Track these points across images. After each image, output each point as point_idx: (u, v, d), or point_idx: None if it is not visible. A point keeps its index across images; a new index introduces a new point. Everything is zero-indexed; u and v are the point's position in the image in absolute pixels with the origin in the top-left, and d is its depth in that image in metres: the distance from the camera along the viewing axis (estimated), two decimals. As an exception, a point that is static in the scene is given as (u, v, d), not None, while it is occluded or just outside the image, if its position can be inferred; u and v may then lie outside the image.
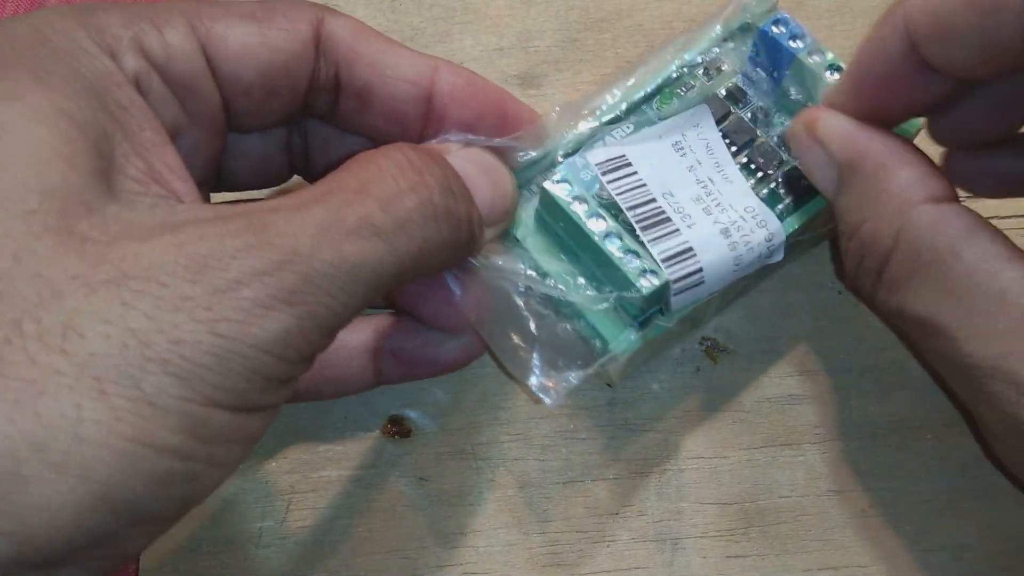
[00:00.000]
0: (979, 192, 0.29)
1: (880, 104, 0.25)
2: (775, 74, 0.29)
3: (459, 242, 0.24)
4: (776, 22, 0.29)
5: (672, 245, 0.26)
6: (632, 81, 0.29)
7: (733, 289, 0.29)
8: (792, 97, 0.29)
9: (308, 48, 0.25)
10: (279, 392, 0.20)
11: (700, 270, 0.26)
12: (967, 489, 0.29)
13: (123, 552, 0.19)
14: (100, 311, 0.18)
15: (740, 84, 0.30)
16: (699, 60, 0.30)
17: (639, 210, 0.27)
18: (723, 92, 0.29)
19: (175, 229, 0.19)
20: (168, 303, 0.18)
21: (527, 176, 0.28)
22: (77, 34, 0.22)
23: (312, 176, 0.29)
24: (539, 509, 0.29)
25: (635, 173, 0.27)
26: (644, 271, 0.26)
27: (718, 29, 0.30)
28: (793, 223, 0.28)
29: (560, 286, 0.27)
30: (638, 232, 0.26)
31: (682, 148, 0.28)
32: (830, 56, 0.28)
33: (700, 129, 0.29)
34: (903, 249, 0.23)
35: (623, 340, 0.27)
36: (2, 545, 0.17)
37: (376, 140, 0.27)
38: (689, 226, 0.27)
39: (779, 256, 0.27)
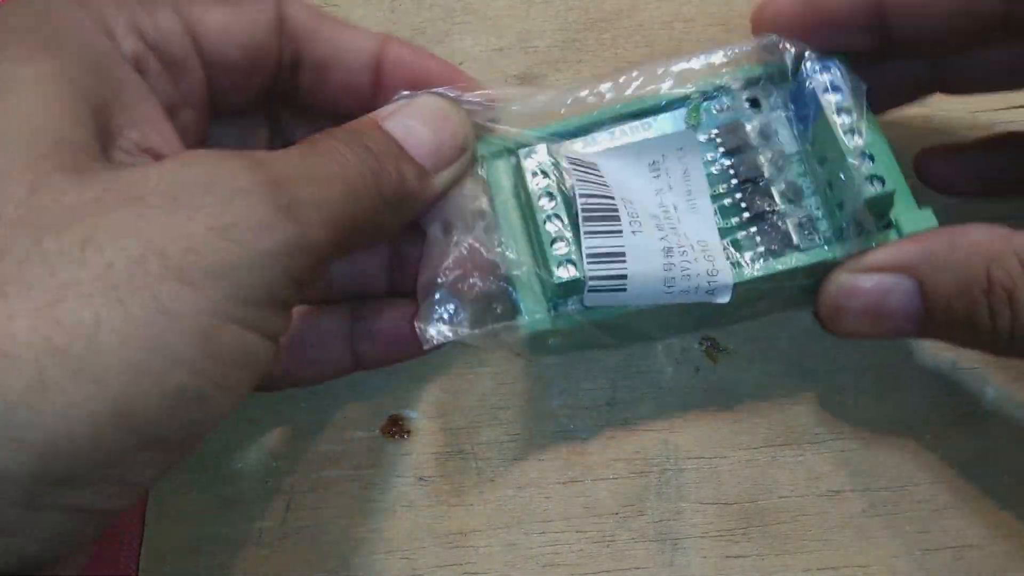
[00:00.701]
0: (948, 191, 0.30)
1: (813, 31, 0.27)
2: (805, 122, 0.28)
3: (393, 197, 0.24)
4: (824, 66, 0.27)
5: (606, 244, 0.26)
6: (639, 81, 0.29)
7: (689, 316, 0.28)
8: (811, 152, 0.28)
9: (276, 27, 0.26)
10: (281, 317, 0.21)
11: (624, 277, 0.26)
12: (967, 489, 0.29)
13: (136, 479, 0.19)
14: (117, 225, 0.19)
15: (773, 122, 0.28)
16: (740, 87, 0.29)
17: (591, 200, 0.26)
18: (752, 125, 0.29)
19: (178, 159, 0.21)
20: (182, 214, 0.19)
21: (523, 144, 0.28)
22: (78, 14, 0.23)
23: None
24: (539, 509, 0.29)
25: (601, 176, 0.27)
26: (566, 260, 0.26)
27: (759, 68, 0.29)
28: (757, 272, 0.27)
29: (496, 247, 0.27)
30: (579, 220, 0.26)
31: (657, 169, 0.28)
32: (862, 137, 0.26)
33: (682, 154, 0.28)
34: None
35: (532, 315, 0.27)
36: (26, 458, 0.17)
37: (335, 114, 0.28)
38: (634, 232, 0.26)
39: (724, 297, 0.26)
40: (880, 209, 0.26)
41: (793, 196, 0.28)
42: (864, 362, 0.30)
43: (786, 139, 0.28)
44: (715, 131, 0.29)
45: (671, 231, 0.27)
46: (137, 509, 0.30)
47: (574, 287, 0.26)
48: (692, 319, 0.30)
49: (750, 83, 0.29)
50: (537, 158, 0.27)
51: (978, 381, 0.30)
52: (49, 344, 0.17)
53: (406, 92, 0.27)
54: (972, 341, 0.26)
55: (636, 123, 0.29)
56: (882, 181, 0.25)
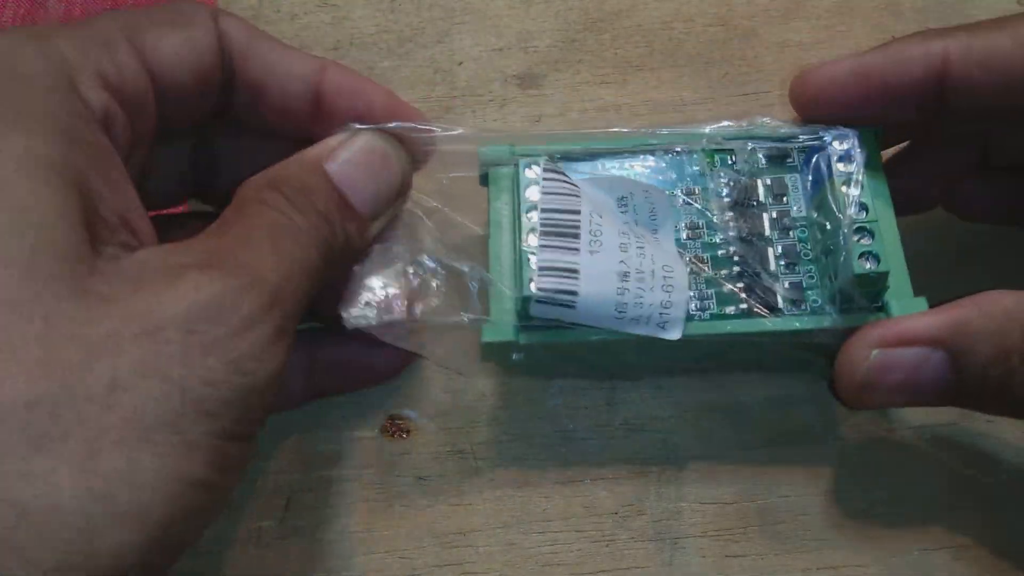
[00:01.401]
0: (973, 218, 0.31)
1: (865, 100, 0.27)
2: (815, 188, 0.28)
3: (339, 258, 0.25)
4: (841, 136, 0.27)
5: (561, 259, 0.26)
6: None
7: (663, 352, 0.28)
8: (815, 219, 0.27)
9: (218, 47, 0.25)
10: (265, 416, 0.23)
11: (575, 293, 0.25)
12: (967, 489, 0.29)
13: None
14: (139, 365, 0.19)
15: (787, 183, 0.28)
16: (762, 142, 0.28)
17: (554, 215, 0.26)
18: (765, 182, 0.28)
19: (179, 276, 0.21)
20: (198, 349, 0.20)
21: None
22: (39, 65, 0.22)
23: (209, 196, 0.30)
24: (539, 509, 0.29)
25: (576, 188, 0.27)
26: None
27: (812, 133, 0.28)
28: (725, 327, 0.26)
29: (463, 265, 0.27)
30: (539, 235, 0.26)
31: (625, 205, 0.28)
32: (866, 212, 0.26)
33: (649, 196, 0.28)
34: None
35: (496, 324, 0.26)
36: None
37: (269, 139, 0.28)
38: (592, 252, 0.26)
39: (675, 334, 0.26)
40: (870, 288, 0.26)
41: (789, 260, 0.27)
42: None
43: (795, 202, 0.28)
44: (725, 180, 0.28)
45: (637, 251, 0.26)
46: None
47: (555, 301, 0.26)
48: (667, 357, 0.29)
49: (772, 139, 0.28)
50: (536, 169, 0.27)
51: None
52: (92, 494, 0.19)
53: (353, 124, 0.27)
54: (1005, 408, 0.25)
55: (650, 157, 0.29)
56: (876, 260, 0.25)
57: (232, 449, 0.21)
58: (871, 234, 0.25)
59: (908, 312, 0.25)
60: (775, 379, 0.30)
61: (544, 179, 0.27)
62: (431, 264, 0.27)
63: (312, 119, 0.27)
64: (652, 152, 0.29)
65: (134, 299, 0.20)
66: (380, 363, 0.30)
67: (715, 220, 0.28)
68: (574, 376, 0.30)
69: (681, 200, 0.28)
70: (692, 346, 0.27)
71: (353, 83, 0.27)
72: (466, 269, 0.27)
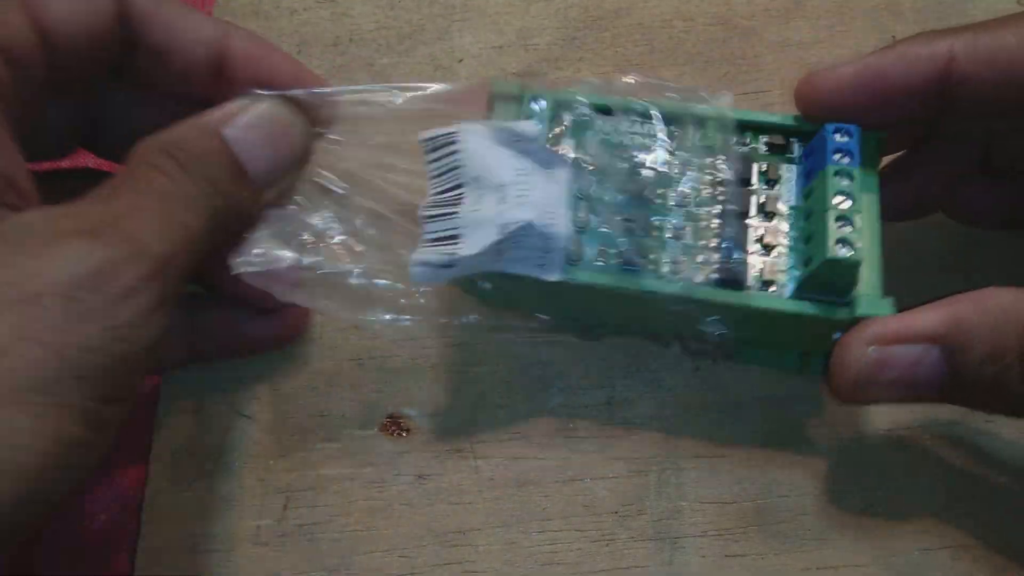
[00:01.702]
0: (972, 223, 0.31)
1: (872, 102, 0.27)
2: (809, 177, 0.28)
3: (228, 223, 0.25)
4: (841, 130, 0.27)
5: (442, 228, 0.26)
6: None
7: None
8: (802, 207, 0.28)
9: (116, 11, 0.26)
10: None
11: (454, 255, 0.26)
12: (967, 489, 0.29)
13: (23, 535, 0.21)
14: (16, 329, 0.20)
15: (782, 171, 0.28)
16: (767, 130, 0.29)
17: (441, 196, 0.27)
18: (762, 167, 0.28)
19: (62, 242, 0.21)
20: (77, 315, 0.21)
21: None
22: None
23: (101, 148, 0.30)
24: (539, 508, 0.29)
25: (457, 153, 0.27)
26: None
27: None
28: (693, 292, 0.26)
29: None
30: (422, 209, 0.27)
31: (521, 150, 0.28)
32: (852, 203, 0.26)
33: (536, 140, 0.28)
34: None
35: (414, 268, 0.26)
36: None
37: (171, 99, 0.28)
38: (472, 211, 0.26)
39: (555, 273, 0.27)
40: (841, 276, 0.26)
41: (768, 243, 0.27)
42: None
43: (787, 192, 0.28)
44: (723, 157, 0.28)
45: (515, 202, 0.26)
46: (133, 508, 0.30)
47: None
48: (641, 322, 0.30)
49: (776, 129, 0.29)
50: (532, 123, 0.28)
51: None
52: None
53: (254, 91, 0.27)
54: (1000, 406, 0.25)
55: (659, 124, 0.28)
56: (851, 247, 0.25)
57: (107, 412, 0.21)
58: (851, 224, 0.25)
59: (874, 310, 0.25)
60: (775, 379, 0.30)
61: (427, 160, 0.27)
62: (329, 226, 0.28)
63: (214, 84, 0.27)
64: (661, 120, 0.28)
65: (15, 262, 0.21)
66: (251, 331, 0.30)
67: (705, 194, 0.28)
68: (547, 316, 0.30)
69: (677, 170, 0.28)
70: (668, 312, 0.27)
71: (257, 49, 0.27)
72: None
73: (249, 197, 0.26)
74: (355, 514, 0.29)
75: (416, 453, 0.30)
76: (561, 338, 0.31)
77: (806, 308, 0.26)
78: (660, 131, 0.28)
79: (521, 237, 0.26)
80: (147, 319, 0.22)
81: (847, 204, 0.26)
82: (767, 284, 0.27)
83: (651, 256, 0.27)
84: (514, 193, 0.27)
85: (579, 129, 0.29)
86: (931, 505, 0.29)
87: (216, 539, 0.29)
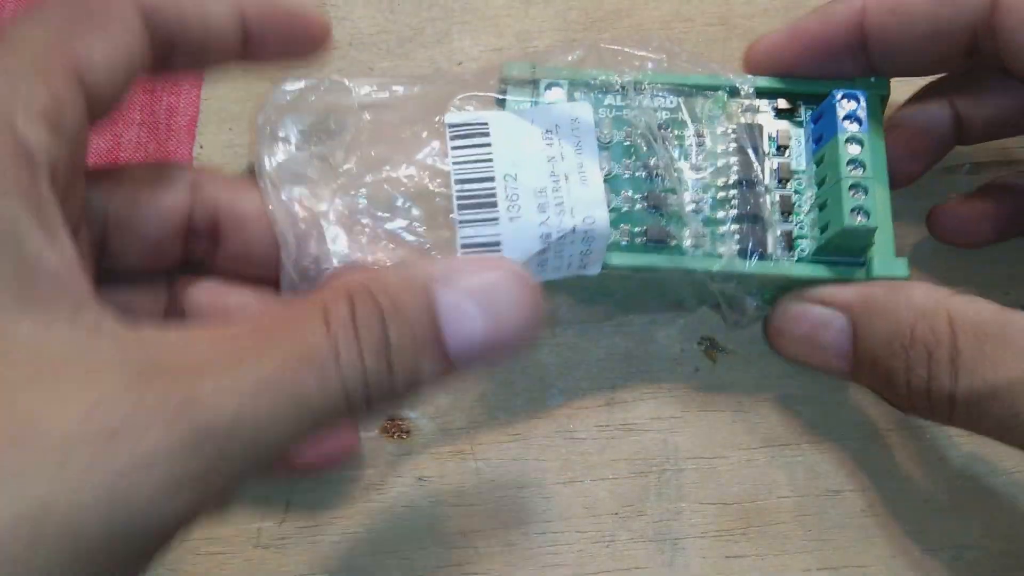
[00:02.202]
0: (964, 244, 0.31)
1: (799, 58, 0.29)
2: (819, 141, 0.29)
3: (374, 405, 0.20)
4: (849, 96, 0.28)
5: (481, 233, 0.26)
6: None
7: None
8: (814, 173, 0.28)
9: (145, 35, 0.23)
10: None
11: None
12: (967, 489, 0.29)
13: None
14: (4, 472, 0.17)
15: (792, 136, 0.29)
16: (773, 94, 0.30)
17: (469, 186, 0.26)
18: (772, 133, 0.29)
19: (92, 381, 0.18)
20: (74, 473, 0.17)
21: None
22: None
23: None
24: (539, 509, 0.29)
25: (487, 145, 0.27)
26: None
27: (817, 85, 0.29)
28: (723, 267, 0.27)
29: None
30: (455, 210, 0.26)
31: (551, 138, 0.28)
32: (864, 170, 0.27)
33: (576, 124, 0.28)
34: (965, 330, 0.24)
35: None
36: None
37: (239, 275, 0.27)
38: (511, 219, 0.26)
39: (595, 268, 0.27)
40: (857, 242, 0.27)
41: (784, 210, 0.28)
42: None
43: (797, 156, 0.29)
44: (733, 127, 0.29)
45: (556, 209, 0.26)
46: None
47: None
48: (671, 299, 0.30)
49: (782, 93, 0.29)
50: (558, 91, 0.28)
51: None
52: None
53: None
54: (890, 395, 0.26)
55: (672, 97, 0.29)
56: (867, 215, 0.26)
57: None
58: (864, 191, 0.26)
59: (889, 271, 0.27)
60: (775, 379, 0.30)
61: (452, 147, 0.27)
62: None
63: (242, 54, 0.25)
64: (668, 91, 0.29)
65: (24, 393, 0.18)
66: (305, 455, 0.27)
67: (718, 164, 0.29)
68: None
69: (691, 140, 0.29)
70: (693, 282, 0.28)
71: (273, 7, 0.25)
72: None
73: (429, 373, 0.20)
74: (356, 516, 0.29)
75: (417, 455, 0.30)
76: (562, 339, 0.31)
77: (825, 272, 0.27)
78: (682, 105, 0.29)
79: (563, 244, 0.26)
80: (159, 496, 0.18)
81: (859, 172, 0.27)
82: (787, 248, 0.28)
83: (673, 231, 0.28)
84: (553, 200, 0.27)
85: (596, 107, 0.29)
86: (932, 505, 0.29)
87: (217, 541, 0.29)
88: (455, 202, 0.26)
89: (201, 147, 0.34)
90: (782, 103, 0.29)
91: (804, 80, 0.29)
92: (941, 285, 0.26)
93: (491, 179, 0.27)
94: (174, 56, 0.24)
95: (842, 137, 0.27)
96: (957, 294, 0.25)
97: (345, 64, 0.36)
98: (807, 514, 0.29)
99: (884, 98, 0.29)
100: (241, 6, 0.25)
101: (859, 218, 0.26)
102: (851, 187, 0.26)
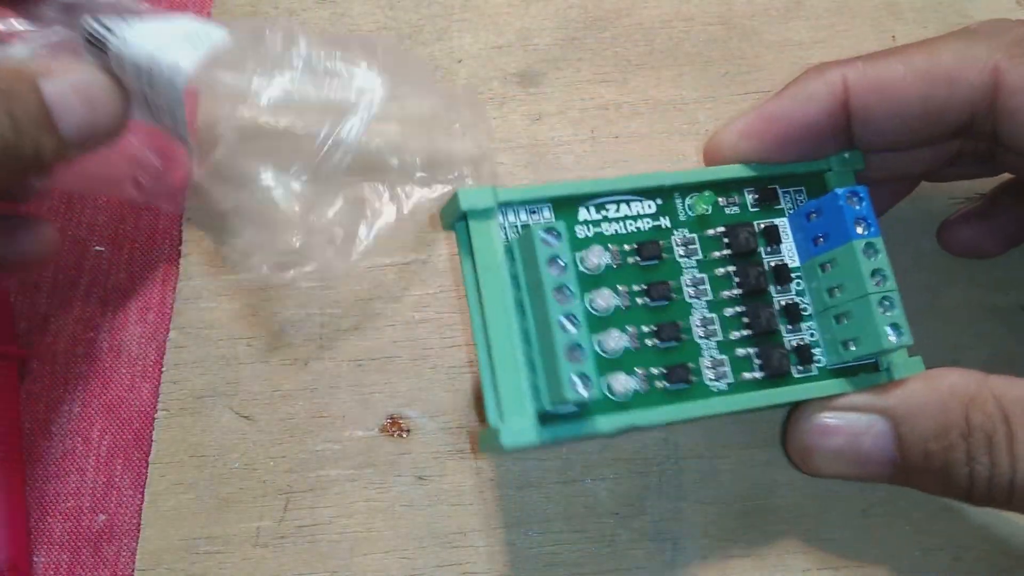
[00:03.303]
0: (975, 255, 0.31)
1: (778, 146, 0.27)
2: (818, 242, 0.26)
3: (17, 165, 0.25)
4: (853, 195, 0.25)
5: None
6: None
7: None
8: (820, 276, 0.26)
9: None
10: None
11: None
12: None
13: None
14: None
15: (780, 228, 0.27)
16: (752, 183, 0.27)
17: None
18: (759, 226, 0.27)
19: None
20: None
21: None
22: None
23: None
24: (539, 509, 0.29)
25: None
26: (580, 374, 0.22)
27: (791, 168, 0.27)
28: (755, 402, 0.25)
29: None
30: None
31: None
32: (888, 283, 0.25)
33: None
34: (1016, 412, 0.24)
35: (511, 427, 0.23)
36: None
37: None
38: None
39: (604, 426, 0.24)
40: (874, 355, 0.26)
41: (792, 318, 0.26)
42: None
43: (788, 251, 0.27)
44: (722, 228, 0.27)
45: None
46: (135, 509, 0.30)
47: (579, 404, 0.23)
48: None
49: (763, 180, 0.28)
50: (553, 239, 0.23)
51: (977, 381, 0.30)
52: None
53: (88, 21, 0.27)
54: (948, 488, 0.25)
55: (648, 201, 0.27)
56: (901, 332, 0.25)
57: None
58: (891, 303, 0.25)
59: (909, 370, 0.26)
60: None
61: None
62: None
63: None
64: (643, 196, 0.27)
65: None
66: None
67: (718, 274, 0.27)
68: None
69: (679, 252, 0.26)
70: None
71: None
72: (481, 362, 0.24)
73: (52, 148, 0.25)
74: (355, 515, 0.29)
75: (416, 454, 0.30)
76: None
77: (850, 387, 0.26)
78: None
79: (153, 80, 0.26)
80: None
81: (883, 283, 0.25)
82: (804, 361, 0.26)
83: (691, 366, 0.25)
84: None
85: (571, 227, 0.26)
86: (931, 505, 0.29)
87: (216, 540, 0.29)
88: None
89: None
90: (763, 192, 0.27)
91: (775, 165, 0.27)
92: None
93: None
94: None
95: (859, 245, 0.25)
96: (992, 376, 0.25)
97: (344, 61, 0.35)
98: (807, 514, 0.29)
99: (858, 171, 0.28)
100: None
101: (896, 337, 0.24)
102: (880, 301, 0.25)
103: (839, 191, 0.25)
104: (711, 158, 0.28)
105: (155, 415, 0.31)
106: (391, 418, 0.30)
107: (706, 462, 0.30)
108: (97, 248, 0.33)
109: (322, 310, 0.32)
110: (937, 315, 0.31)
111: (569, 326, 0.23)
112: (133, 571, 0.29)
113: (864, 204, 0.25)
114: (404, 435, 0.30)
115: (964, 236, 0.31)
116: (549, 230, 0.23)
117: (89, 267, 0.33)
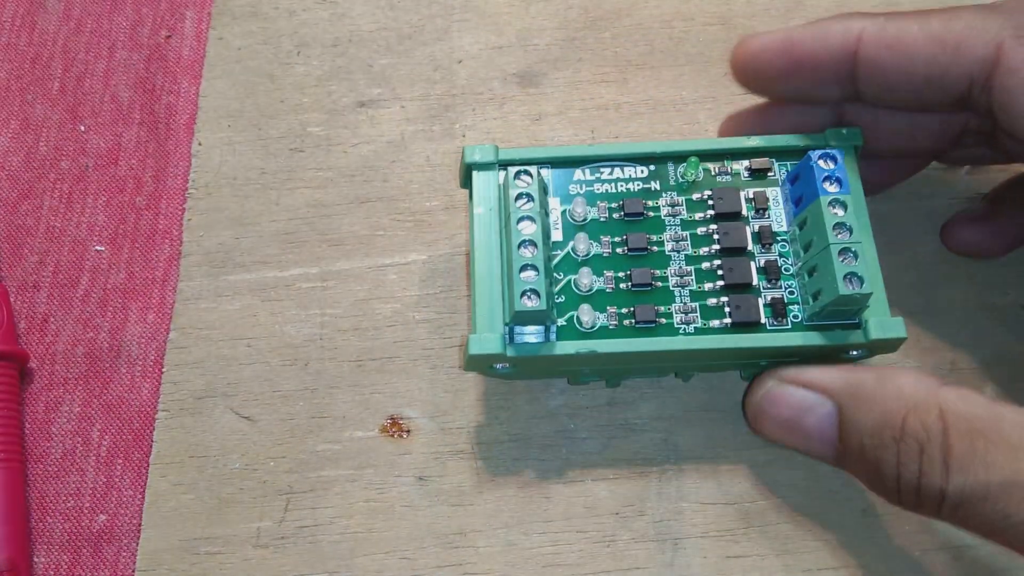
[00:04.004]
0: (977, 256, 0.32)
1: (785, 68, 0.28)
2: (799, 203, 0.28)
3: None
4: (826, 156, 0.27)
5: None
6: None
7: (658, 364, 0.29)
8: (798, 236, 0.27)
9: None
10: None
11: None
12: (967, 489, 0.29)
13: None
14: None
15: (768, 196, 0.28)
16: (745, 155, 0.29)
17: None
18: (749, 195, 0.28)
19: None
20: None
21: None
22: None
23: None
24: (539, 509, 0.29)
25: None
26: (531, 290, 0.25)
27: (789, 140, 0.29)
28: (719, 344, 0.26)
29: None
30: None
31: None
32: (851, 233, 0.26)
33: None
34: (958, 426, 0.24)
35: (483, 336, 0.26)
36: None
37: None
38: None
39: (563, 345, 0.26)
40: (852, 308, 0.26)
41: (771, 275, 0.27)
42: (863, 363, 0.30)
43: (776, 216, 0.28)
44: (709, 192, 0.28)
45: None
46: (135, 509, 0.30)
47: (533, 317, 0.26)
48: (660, 367, 0.30)
49: (756, 152, 0.29)
50: (527, 178, 0.27)
51: (977, 381, 0.30)
52: None
53: None
54: (878, 486, 0.25)
55: (641, 167, 0.29)
56: (861, 281, 0.25)
57: None
58: (855, 255, 0.25)
59: (886, 333, 0.26)
60: (775, 379, 0.30)
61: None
62: None
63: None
64: (637, 161, 0.29)
65: None
66: None
67: (699, 232, 0.28)
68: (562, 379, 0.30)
69: (667, 210, 0.28)
70: (686, 359, 0.28)
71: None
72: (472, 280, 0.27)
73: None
74: (356, 516, 0.29)
75: (417, 454, 0.30)
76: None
77: (822, 339, 0.26)
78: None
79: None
80: None
81: (846, 236, 0.26)
82: (778, 315, 0.27)
83: (662, 309, 0.27)
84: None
85: (565, 184, 0.29)
86: (932, 505, 0.29)
87: (216, 541, 0.29)
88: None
89: (200, 144, 0.34)
90: (756, 163, 0.29)
91: (775, 136, 0.29)
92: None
93: None
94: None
95: (824, 200, 0.26)
96: (947, 385, 0.25)
97: (345, 61, 0.35)
98: (807, 514, 0.29)
99: (857, 148, 0.28)
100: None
101: (852, 285, 0.25)
102: (840, 252, 0.25)
103: (813, 152, 0.27)
104: (738, 59, 0.29)
105: (155, 415, 0.31)
106: (391, 418, 0.30)
107: (706, 462, 0.30)
108: (97, 248, 0.33)
109: (322, 310, 0.32)
110: (937, 314, 0.31)
111: (527, 250, 0.26)
112: (133, 571, 0.29)
113: (837, 165, 0.26)
114: (404, 435, 0.30)
115: (966, 237, 0.31)
116: (522, 173, 0.27)
117: (89, 267, 0.33)
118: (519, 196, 0.27)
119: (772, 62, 0.28)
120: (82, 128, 0.35)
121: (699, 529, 0.29)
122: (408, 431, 0.30)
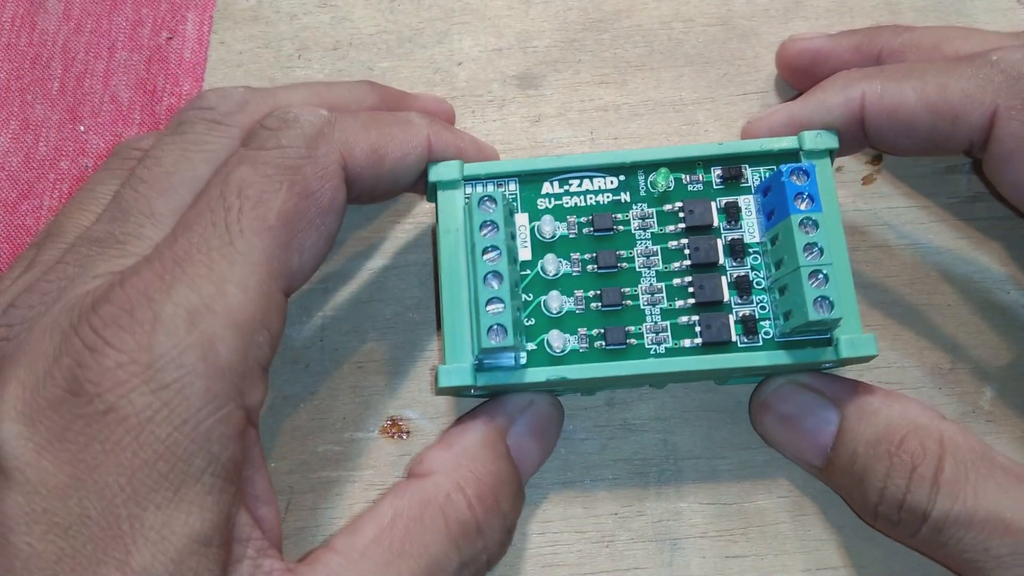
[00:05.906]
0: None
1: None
2: (771, 216, 0.27)
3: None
4: (798, 171, 0.26)
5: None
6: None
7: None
8: (770, 250, 0.27)
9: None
10: None
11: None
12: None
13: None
14: None
15: (740, 205, 0.28)
16: (718, 161, 0.28)
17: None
18: (721, 203, 0.28)
19: None
20: None
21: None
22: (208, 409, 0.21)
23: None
24: (538, 509, 0.29)
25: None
26: (497, 325, 0.25)
27: (764, 145, 0.28)
28: (691, 366, 0.26)
29: None
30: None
31: None
32: (822, 254, 0.25)
33: None
34: (954, 453, 0.25)
35: (452, 366, 0.26)
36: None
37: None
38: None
39: (532, 374, 0.26)
40: (822, 329, 0.26)
41: (742, 290, 0.27)
42: (864, 362, 0.30)
43: (748, 227, 0.28)
44: (680, 204, 0.28)
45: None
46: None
47: (502, 351, 0.25)
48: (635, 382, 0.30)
49: (728, 159, 0.28)
50: (490, 205, 0.26)
51: (978, 381, 0.30)
52: None
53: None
54: (859, 497, 0.26)
55: (611, 177, 0.28)
56: (831, 305, 0.25)
57: None
58: (826, 278, 0.25)
59: (857, 351, 0.26)
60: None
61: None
62: None
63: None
64: (606, 172, 0.28)
65: None
66: None
67: (670, 247, 0.28)
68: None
69: (636, 225, 0.28)
70: (658, 377, 0.28)
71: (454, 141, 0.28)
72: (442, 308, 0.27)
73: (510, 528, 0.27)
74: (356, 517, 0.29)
75: (417, 455, 0.30)
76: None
77: (790, 359, 0.26)
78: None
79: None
80: None
81: (817, 256, 0.25)
82: (749, 332, 0.27)
83: (632, 329, 0.27)
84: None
85: (533, 199, 0.28)
86: (931, 505, 0.29)
87: (218, 541, 0.29)
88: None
89: (201, 148, 0.35)
90: (728, 170, 0.28)
91: (748, 141, 0.28)
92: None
93: None
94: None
95: (796, 220, 0.25)
96: (949, 420, 0.26)
97: (345, 65, 0.36)
98: (807, 514, 0.29)
99: (833, 151, 0.28)
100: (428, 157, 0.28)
101: (822, 310, 0.25)
102: (811, 275, 0.25)
103: (784, 167, 0.26)
104: (784, 54, 0.32)
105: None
106: (391, 420, 0.30)
107: (705, 462, 0.30)
108: (100, 251, 0.33)
109: (323, 312, 0.32)
110: (936, 314, 0.31)
111: (493, 282, 0.25)
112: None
113: (809, 180, 0.26)
114: (404, 436, 0.30)
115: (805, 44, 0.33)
116: (485, 199, 0.26)
117: (92, 270, 0.33)
118: (484, 224, 0.26)
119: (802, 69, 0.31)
120: (82, 129, 0.35)
121: (698, 529, 0.29)
122: (408, 432, 0.30)
